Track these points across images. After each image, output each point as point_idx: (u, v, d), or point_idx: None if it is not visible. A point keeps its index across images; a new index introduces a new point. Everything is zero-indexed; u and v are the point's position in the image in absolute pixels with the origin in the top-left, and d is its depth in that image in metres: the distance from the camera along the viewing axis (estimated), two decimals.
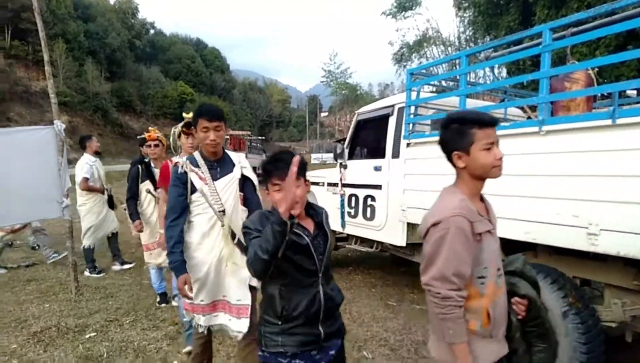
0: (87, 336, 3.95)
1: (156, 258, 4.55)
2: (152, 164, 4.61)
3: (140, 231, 4.59)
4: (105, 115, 43.51)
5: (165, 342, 3.82)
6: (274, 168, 1.76)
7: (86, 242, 5.97)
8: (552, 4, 9.87)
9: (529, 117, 4.53)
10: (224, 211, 2.53)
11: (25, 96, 35.86)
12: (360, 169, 5.16)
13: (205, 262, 2.56)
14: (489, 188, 1.74)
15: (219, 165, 2.60)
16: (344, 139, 5.78)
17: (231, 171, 2.60)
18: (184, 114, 3.62)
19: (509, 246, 3.11)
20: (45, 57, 4.92)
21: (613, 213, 2.57)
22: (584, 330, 2.78)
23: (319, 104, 74.12)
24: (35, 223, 6.48)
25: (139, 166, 4.67)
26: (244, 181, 2.64)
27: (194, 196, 2.54)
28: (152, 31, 67.04)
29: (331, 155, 6.48)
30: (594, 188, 2.69)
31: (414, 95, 4.45)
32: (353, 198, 5.22)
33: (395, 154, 4.62)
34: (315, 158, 39.96)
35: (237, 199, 2.60)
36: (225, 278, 2.59)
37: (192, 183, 2.52)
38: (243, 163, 2.68)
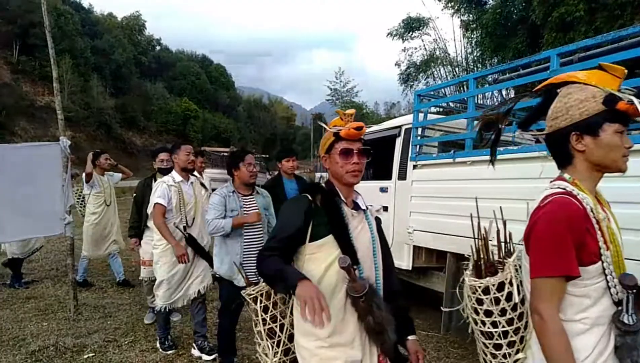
0: (85, 356, 3.86)
1: None
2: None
3: None
4: (108, 130, 43.71)
5: None
6: None
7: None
8: (560, 27, 9.94)
9: (537, 141, 4.51)
10: None
11: (30, 111, 36.10)
12: (366, 191, 5.12)
13: None
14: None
15: None
16: None
17: None
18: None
19: None
20: (54, 74, 4.90)
21: None
22: None
23: (324, 121, 74.07)
24: None
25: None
26: None
27: None
28: (158, 48, 67.82)
29: None
30: None
31: (421, 116, 4.45)
32: None
33: (402, 175, 4.59)
34: (319, 177, 39.93)
35: None
36: None
37: None
38: None
